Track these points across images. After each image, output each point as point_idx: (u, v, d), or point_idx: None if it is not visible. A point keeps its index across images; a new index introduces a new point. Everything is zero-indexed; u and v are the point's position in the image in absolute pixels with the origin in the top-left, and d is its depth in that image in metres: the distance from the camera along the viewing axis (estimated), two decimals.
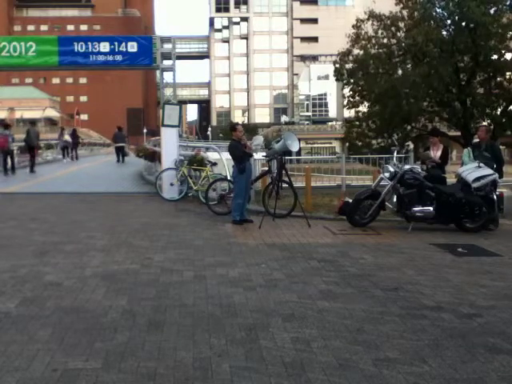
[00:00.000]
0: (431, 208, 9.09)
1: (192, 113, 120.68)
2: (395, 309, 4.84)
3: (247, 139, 10.27)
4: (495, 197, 9.27)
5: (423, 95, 22.82)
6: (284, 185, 10.38)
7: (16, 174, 19.63)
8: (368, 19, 24.36)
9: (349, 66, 25.33)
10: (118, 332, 4.21)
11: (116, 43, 17.37)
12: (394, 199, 9.30)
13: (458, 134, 25.22)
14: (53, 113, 75.39)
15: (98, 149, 46.36)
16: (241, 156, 9.67)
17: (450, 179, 10.44)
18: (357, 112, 26.28)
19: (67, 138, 30.26)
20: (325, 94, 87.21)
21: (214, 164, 13.04)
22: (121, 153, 27.69)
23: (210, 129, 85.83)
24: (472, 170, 9.25)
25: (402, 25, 24.05)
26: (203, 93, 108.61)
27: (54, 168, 23.83)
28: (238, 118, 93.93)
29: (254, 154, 10.84)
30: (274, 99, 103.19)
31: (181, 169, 12.85)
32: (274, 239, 8.22)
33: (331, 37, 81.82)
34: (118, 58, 17.44)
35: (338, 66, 25.66)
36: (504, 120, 23.44)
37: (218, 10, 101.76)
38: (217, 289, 5.44)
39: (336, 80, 27.71)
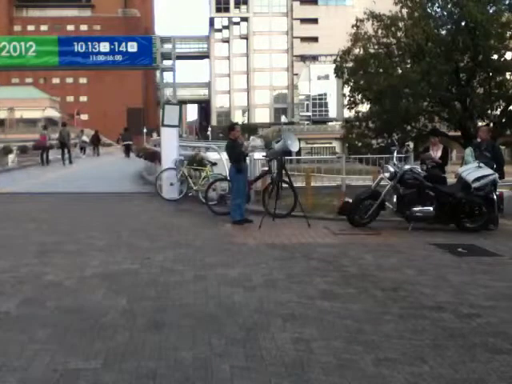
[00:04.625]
0: (431, 208, 9.09)
1: (192, 113, 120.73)
2: (395, 309, 4.84)
3: (247, 139, 10.28)
4: (495, 197, 9.26)
5: (422, 94, 22.79)
6: (284, 185, 10.38)
7: (49, 166, 24.32)
8: (368, 19, 24.33)
9: (349, 64, 25.29)
10: (118, 332, 4.20)
11: (116, 43, 17.34)
12: (394, 199, 9.30)
13: (458, 134, 25.19)
14: (53, 113, 75.30)
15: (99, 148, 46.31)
16: (238, 156, 9.70)
17: (450, 179, 10.43)
18: (357, 112, 26.25)
19: (85, 138, 36.00)
20: (325, 94, 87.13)
21: (214, 164, 13.04)
22: (127, 150, 32.32)
23: (209, 129, 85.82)
24: (472, 170, 9.25)
25: (401, 24, 24.02)
26: (203, 93, 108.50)
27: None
28: (237, 118, 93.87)
29: (249, 153, 10.76)
30: (274, 99, 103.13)
31: (181, 169, 12.85)
32: (274, 239, 8.22)
33: (331, 37, 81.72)
34: (118, 57, 17.42)
35: (338, 64, 25.64)
36: (504, 120, 23.42)
37: (218, 10, 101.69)
38: (217, 289, 5.43)
39: (336, 77, 27.71)
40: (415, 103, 22.99)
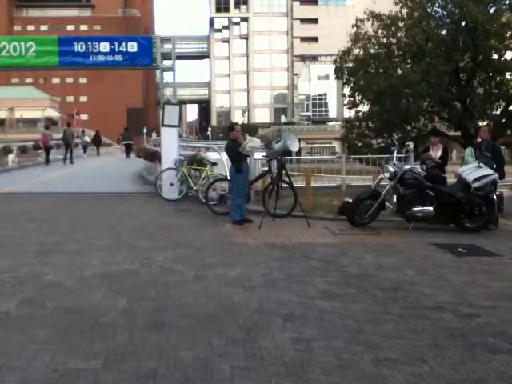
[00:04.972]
0: (431, 208, 9.09)
1: (192, 113, 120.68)
2: (395, 309, 4.84)
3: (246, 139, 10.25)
4: (495, 197, 9.26)
5: (422, 94, 22.80)
6: (284, 185, 10.38)
7: (49, 166, 24.71)
8: (368, 19, 24.35)
9: (349, 64, 25.31)
10: (118, 332, 4.20)
11: (116, 43, 17.33)
12: (394, 199, 9.30)
13: (458, 134, 25.21)
14: (53, 113, 75.35)
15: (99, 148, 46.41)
16: (238, 156, 9.70)
17: (450, 179, 10.44)
18: (357, 112, 26.27)
19: (87, 138, 37.31)
20: (325, 94, 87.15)
21: (214, 164, 13.04)
22: (128, 149, 32.36)
23: (209, 129, 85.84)
24: (472, 170, 9.25)
25: (401, 24, 24.04)
26: (203, 93, 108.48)
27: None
28: (238, 118, 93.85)
29: (249, 154, 10.69)
30: (274, 99, 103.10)
31: (181, 169, 12.85)
32: (274, 239, 8.22)
33: (331, 37, 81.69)
34: (118, 57, 17.40)
35: (338, 65, 25.66)
36: (504, 120, 23.43)
37: (218, 10, 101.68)
38: (217, 289, 5.43)
39: (336, 78, 27.75)
40: (415, 103, 23.01)
